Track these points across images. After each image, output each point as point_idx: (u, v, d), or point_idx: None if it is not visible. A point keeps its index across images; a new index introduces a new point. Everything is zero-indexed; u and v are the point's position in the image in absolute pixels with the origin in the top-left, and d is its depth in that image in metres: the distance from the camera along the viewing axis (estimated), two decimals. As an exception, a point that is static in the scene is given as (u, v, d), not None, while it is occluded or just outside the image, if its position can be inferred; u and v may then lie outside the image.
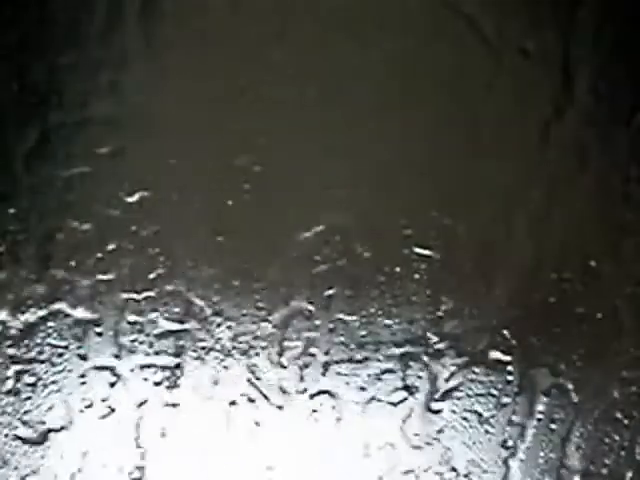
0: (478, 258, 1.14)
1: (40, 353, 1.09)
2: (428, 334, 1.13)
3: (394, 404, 1.12)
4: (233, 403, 1.11)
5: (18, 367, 1.09)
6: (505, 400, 1.13)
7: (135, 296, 1.11)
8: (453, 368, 1.13)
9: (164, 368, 1.10)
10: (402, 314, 1.13)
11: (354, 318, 1.12)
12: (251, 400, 1.11)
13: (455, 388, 1.13)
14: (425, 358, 1.13)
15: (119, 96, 1.13)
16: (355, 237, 1.13)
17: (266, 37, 1.14)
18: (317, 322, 1.12)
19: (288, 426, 1.11)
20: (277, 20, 1.15)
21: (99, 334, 1.10)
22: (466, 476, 1.12)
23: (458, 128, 1.16)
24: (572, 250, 1.16)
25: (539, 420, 1.13)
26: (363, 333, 1.12)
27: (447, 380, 1.13)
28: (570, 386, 1.14)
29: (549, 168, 1.16)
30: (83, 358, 1.10)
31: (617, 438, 1.14)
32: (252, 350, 1.11)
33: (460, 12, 1.17)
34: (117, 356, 1.10)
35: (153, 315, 1.11)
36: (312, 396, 1.12)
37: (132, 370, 1.10)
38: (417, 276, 1.13)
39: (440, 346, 1.13)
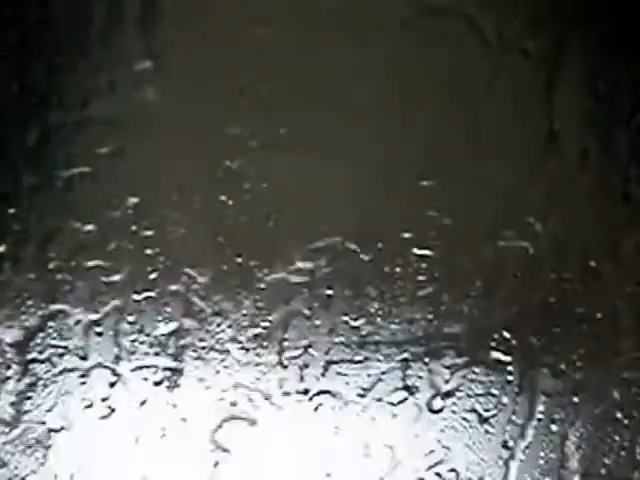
0: (478, 258, 1.14)
1: (40, 353, 1.09)
2: (428, 334, 1.13)
3: (394, 404, 1.12)
4: (233, 403, 1.11)
5: (18, 367, 1.09)
6: (505, 400, 1.13)
7: (135, 296, 1.11)
8: (453, 368, 1.13)
9: (164, 368, 1.10)
10: (402, 314, 1.13)
11: (354, 318, 1.12)
12: (251, 400, 1.11)
13: (455, 388, 1.13)
14: (425, 358, 1.13)
15: (119, 96, 1.13)
16: (355, 237, 1.13)
17: (266, 37, 1.14)
18: (317, 322, 1.12)
19: (288, 426, 1.11)
20: (277, 20, 1.15)
21: (99, 334, 1.10)
22: (466, 476, 1.12)
23: (458, 128, 1.16)
24: (572, 250, 1.16)
25: (539, 420, 1.13)
26: (363, 333, 1.12)
27: (447, 380, 1.13)
28: (570, 386, 1.14)
29: (549, 168, 1.16)
30: (83, 358, 1.10)
31: (617, 438, 1.14)
32: (252, 350, 1.11)
33: (460, 12, 1.17)
34: (117, 356, 1.10)
35: (153, 315, 1.11)
36: (312, 396, 1.12)
37: (132, 370, 1.10)
38: (417, 276, 1.13)
39: (440, 346, 1.13)
